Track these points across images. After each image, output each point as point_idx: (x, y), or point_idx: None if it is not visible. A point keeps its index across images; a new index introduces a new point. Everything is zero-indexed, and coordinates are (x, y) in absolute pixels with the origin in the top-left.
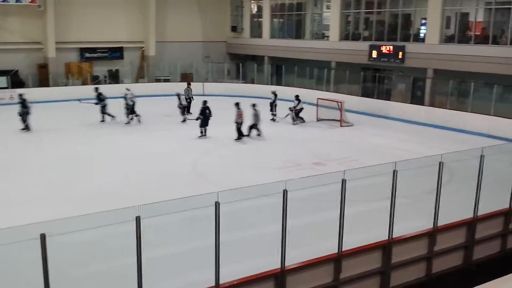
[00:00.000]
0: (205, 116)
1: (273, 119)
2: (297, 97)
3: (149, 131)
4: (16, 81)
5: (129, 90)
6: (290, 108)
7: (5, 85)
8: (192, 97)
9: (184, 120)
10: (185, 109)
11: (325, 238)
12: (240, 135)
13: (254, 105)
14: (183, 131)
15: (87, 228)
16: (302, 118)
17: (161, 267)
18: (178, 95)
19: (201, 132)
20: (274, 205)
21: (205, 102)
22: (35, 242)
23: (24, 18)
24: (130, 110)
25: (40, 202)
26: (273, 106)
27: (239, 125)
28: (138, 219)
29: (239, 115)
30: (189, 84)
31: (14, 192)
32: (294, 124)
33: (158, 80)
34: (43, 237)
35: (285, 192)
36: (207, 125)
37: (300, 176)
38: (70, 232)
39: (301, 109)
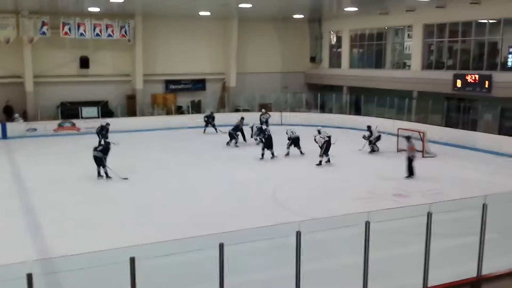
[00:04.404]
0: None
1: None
2: (368, 127)
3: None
4: (105, 111)
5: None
6: (363, 136)
7: (96, 115)
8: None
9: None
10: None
11: (409, 272)
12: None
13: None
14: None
15: (172, 253)
16: (377, 147)
17: None
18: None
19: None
20: (355, 236)
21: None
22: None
23: (114, 51)
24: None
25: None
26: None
27: (410, 160)
28: (221, 246)
29: (412, 148)
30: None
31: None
32: (371, 152)
33: (237, 110)
34: (132, 260)
35: (367, 224)
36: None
37: (382, 208)
38: (157, 257)
39: (378, 137)
